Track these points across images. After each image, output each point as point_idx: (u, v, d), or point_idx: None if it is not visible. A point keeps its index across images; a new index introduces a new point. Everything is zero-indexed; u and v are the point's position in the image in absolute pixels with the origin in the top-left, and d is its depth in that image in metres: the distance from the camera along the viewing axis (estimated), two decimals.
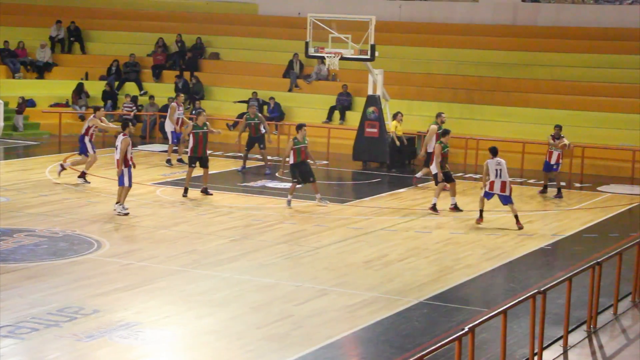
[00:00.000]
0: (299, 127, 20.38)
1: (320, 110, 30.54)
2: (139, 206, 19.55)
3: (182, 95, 27.27)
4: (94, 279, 14.06)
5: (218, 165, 25.69)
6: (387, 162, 26.28)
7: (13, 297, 12.88)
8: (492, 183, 18.42)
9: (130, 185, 18.66)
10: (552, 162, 22.41)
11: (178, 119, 25.55)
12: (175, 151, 25.37)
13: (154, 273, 14.50)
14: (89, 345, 11.19)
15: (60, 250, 15.76)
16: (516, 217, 18.44)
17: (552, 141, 22.39)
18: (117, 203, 18.60)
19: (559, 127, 22.80)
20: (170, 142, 25.52)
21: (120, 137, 18.59)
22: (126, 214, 18.35)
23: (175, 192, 21.28)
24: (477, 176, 24.67)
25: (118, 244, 16.25)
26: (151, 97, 31.31)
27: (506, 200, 18.48)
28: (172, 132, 25.44)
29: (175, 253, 15.78)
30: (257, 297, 13.52)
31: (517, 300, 10.56)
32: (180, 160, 25.06)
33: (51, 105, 31.51)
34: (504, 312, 10.01)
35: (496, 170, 18.41)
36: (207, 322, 12.39)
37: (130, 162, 18.57)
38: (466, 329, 9.21)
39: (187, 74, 32.75)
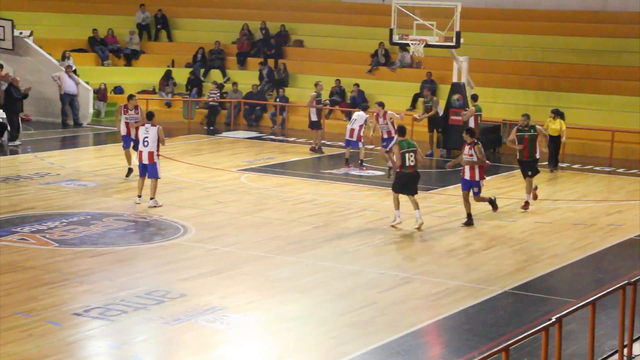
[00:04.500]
0: (401, 131, 17.52)
1: (404, 98, 30.39)
2: (223, 192, 19.77)
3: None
4: (181, 263, 14.27)
5: (302, 152, 25.81)
6: None
7: (102, 280, 13.16)
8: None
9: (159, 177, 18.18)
10: None
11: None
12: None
13: (238, 258, 14.65)
14: (176, 329, 11.37)
15: (147, 234, 16.04)
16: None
17: None
18: (151, 199, 17.89)
19: None
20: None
21: (151, 127, 17.88)
22: (160, 206, 17.98)
23: (260, 179, 21.45)
24: (564, 165, 24.32)
25: (203, 229, 16.45)
26: (234, 84, 31.58)
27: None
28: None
29: (260, 239, 15.91)
30: (340, 284, 13.55)
31: (606, 291, 10.36)
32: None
33: (139, 92, 31.99)
34: (593, 302, 9.83)
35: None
36: (290, 308, 12.47)
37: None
38: (553, 319, 9.07)
39: (271, 61, 32.94)
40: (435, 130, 26.21)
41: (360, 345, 10.95)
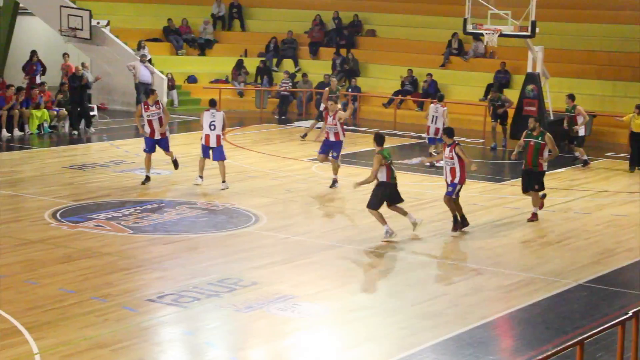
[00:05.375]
0: (381, 139, 15.61)
1: (476, 88, 30.12)
2: (295, 181, 19.85)
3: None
4: (252, 251, 14.37)
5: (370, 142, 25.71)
6: None
7: (176, 267, 13.33)
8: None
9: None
10: None
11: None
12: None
13: (309, 247, 14.69)
14: (248, 316, 11.46)
15: (219, 222, 16.18)
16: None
17: None
18: (223, 182, 18.48)
19: None
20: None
21: (216, 112, 18.48)
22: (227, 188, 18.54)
23: (330, 168, 21.42)
24: None
25: (275, 218, 16.53)
26: (304, 74, 31.63)
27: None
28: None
29: (331, 228, 15.93)
30: (411, 275, 13.51)
31: None
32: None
33: (211, 82, 32.31)
34: None
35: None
36: (361, 298, 12.47)
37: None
38: (630, 313, 8.91)
39: (343, 51, 32.90)
40: (500, 123, 25.39)
41: (431, 337, 10.90)
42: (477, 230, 16.10)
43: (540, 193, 16.82)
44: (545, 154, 16.53)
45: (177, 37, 33.61)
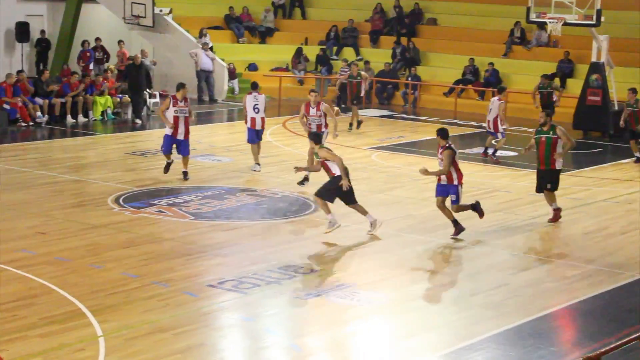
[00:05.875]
0: (318, 137, 15.30)
1: (539, 78, 29.64)
2: (354, 170, 19.74)
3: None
4: (312, 239, 14.41)
5: (434, 130, 25.59)
6: (610, 131, 25.27)
7: (236, 254, 13.42)
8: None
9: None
10: None
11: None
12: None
13: (369, 236, 14.66)
14: (307, 303, 11.51)
15: (279, 210, 16.24)
16: None
17: None
18: (257, 164, 19.15)
19: None
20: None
21: (258, 95, 19.10)
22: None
23: (390, 157, 21.42)
24: None
25: (334, 206, 16.49)
26: (366, 62, 31.56)
27: None
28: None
29: (391, 217, 15.88)
30: (471, 264, 13.44)
31: None
32: None
33: (272, 70, 32.41)
34: None
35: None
36: (421, 287, 12.44)
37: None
38: None
39: (404, 40, 32.75)
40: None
41: (492, 327, 10.83)
42: (538, 221, 15.93)
43: (556, 206, 15.61)
44: (559, 149, 15.41)
45: (238, 25, 33.76)
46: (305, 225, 15.28)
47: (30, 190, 16.83)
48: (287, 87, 31.21)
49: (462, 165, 19.48)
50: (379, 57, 32.30)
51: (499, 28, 32.03)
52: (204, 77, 29.86)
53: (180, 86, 18.23)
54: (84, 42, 30.10)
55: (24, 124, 23.90)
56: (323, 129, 18.22)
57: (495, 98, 21.82)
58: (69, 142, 22.75)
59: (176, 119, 17.77)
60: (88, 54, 29.81)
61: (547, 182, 15.58)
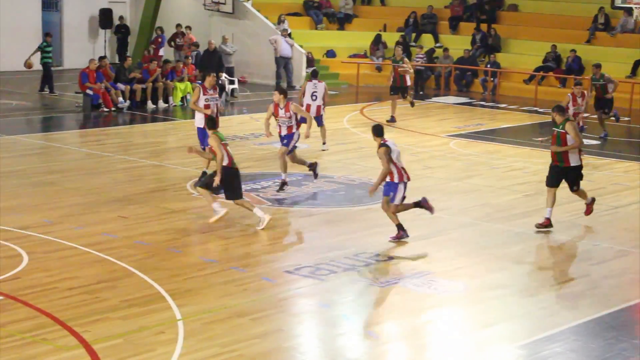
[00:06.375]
0: (212, 122, 14.41)
1: (623, 65, 29.12)
2: (432, 157, 19.72)
3: None
4: (389, 226, 14.32)
5: (513, 119, 25.33)
6: None
7: (313, 240, 13.46)
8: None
9: None
10: None
11: None
12: None
13: (446, 224, 14.58)
14: (384, 291, 11.49)
15: (356, 197, 16.22)
16: None
17: None
18: (324, 143, 19.96)
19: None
20: None
21: (318, 83, 19.70)
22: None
23: (469, 145, 21.23)
24: None
25: (412, 193, 16.38)
26: (445, 49, 31.31)
27: None
28: None
29: (468, 205, 15.76)
30: (551, 254, 13.26)
31: None
32: None
33: (350, 56, 32.37)
34: None
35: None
36: (499, 276, 12.31)
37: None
38: None
39: (484, 26, 32.38)
40: (602, 111, 22.38)
41: (571, 318, 10.67)
42: (621, 211, 15.62)
43: (589, 197, 14.68)
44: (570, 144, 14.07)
45: (316, 11, 33.79)
46: (382, 212, 15.19)
47: (111, 175, 17.13)
48: (365, 74, 31.15)
49: (543, 153, 19.20)
50: (458, 43, 32.01)
51: (582, 14, 31.43)
52: (283, 63, 29.98)
53: (208, 74, 17.24)
54: (157, 29, 30.51)
55: (106, 110, 24.33)
56: (294, 130, 16.25)
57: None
58: (149, 127, 23.09)
59: (207, 107, 16.77)
60: (160, 40, 30.23)
61: (570, 184, 14.26)
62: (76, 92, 25.65)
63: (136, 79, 25.29)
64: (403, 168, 13.51)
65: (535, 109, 26.87)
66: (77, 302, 10.59)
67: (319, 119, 19.82)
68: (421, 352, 9.90)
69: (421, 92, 30.05)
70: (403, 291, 11.47)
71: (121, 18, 33.20)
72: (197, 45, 28.90)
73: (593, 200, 14.76)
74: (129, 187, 16.25)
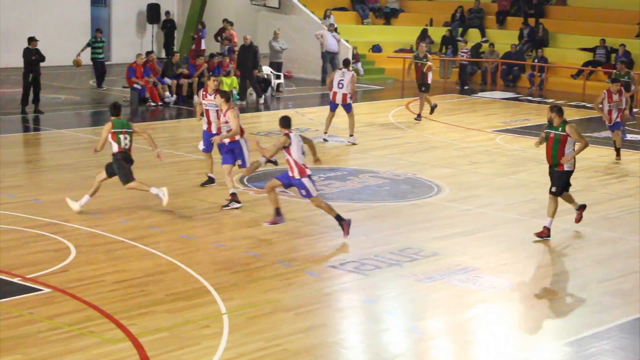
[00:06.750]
0: (116, 108, 14.21)
1: None
2: (478, 153, 19.60)
3: None
4: (434, 222, 14.32)
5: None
6: None
7: (358, 235, 13.45)
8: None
9: None
10: None
11: None
12: None
13: (492, 220, 14.50)
14: (429, 287, 11.45)
15: (401, 192, 16.19)
16: None
17: None
18: (351, 135, 20.03)
19: None
20: None
21: (347, 72, 19.94)
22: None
23: (515, 140, 21.08)
24: None
25: (457, 189, 16.38)
26: (491, 44, 31.07)
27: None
28: None
29: (514, 201, 15.65)
30: (599, 251, 13.11)
31: None
32: None
33: (396, 51, 32.26)
34: None
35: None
36: (545, 272, 12.22)
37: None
38: None
39: (531, 21, 32.09)
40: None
41: (620, 315, 10.56)
42: None
43: (580, 203, 13.99)
44: (568, 148, 13.44)
45: (363, 6, 33.73)
46: (427, 207, 15.18)
47: (157, 169, 17.25)
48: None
49: (590, 149, 18.93)
50: (505, 38, 31.75)
51: (631, 8, 31.01)
52: (329, 58, 29.96)
53: (209, 78, 16.25)
54: (198, 23, 30.70)
55: (153, 104, 24.52)
56: (222, 117, 14.90)
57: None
58: (195, 121, 23.14)
59: (207, 112, 15.61)
60: (200, 33, 30.46)
61: (552, 185, 13.66)
62: (123, 87, 25.89)
63: (183, 74, 25.45)
64: (304, 164, 13.29)
65: (583, 104, 26.58)
66: (124, 296, 10.70)
67: (346, 107, 19.97)
68: (466, 349, 9.86)
69: (466, 87, 29.87)
70: (448, 287, 11.42)
71: (167, 13, 33.42)
72: (229, 39, 28.94)
73: (583, 207, 13.98)
74: (175, 182, 16.36)
